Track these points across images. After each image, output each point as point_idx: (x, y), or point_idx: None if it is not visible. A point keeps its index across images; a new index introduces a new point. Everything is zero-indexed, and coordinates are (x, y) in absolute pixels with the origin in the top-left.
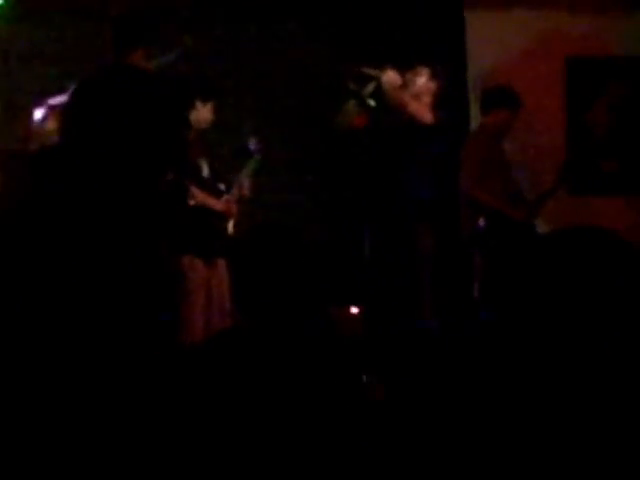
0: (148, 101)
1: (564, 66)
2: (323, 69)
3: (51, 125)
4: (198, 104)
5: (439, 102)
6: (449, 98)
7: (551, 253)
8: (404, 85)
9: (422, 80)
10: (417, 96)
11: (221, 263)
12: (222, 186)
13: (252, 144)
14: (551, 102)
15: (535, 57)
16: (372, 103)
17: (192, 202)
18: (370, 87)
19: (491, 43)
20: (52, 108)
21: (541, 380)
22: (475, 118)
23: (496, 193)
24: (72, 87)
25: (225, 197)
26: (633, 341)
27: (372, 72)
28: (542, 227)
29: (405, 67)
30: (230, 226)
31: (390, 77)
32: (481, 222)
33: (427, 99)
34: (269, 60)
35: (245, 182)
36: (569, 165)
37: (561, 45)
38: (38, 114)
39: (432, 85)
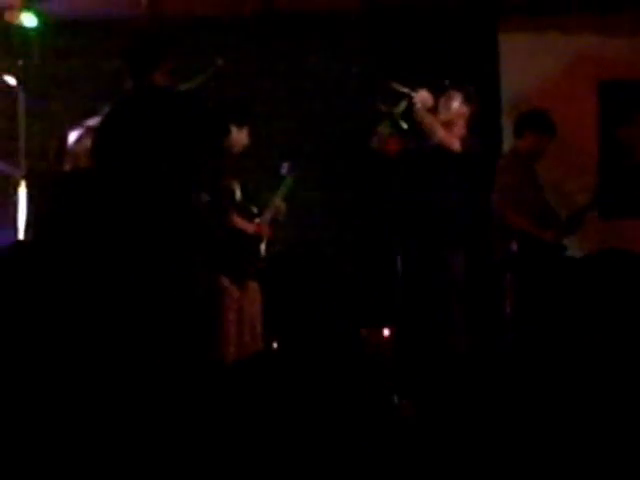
0: (184, 121)
1: (597, 89)
2: (356, 90)
3: (87, 146)
4: (233, 128)
5: (473, 126)
6: (483, 121)
7: (581, 276)
8: (437, 109)
9: (455, 104)
10: (450, 122)
11: (253, 285)
12: (255, 209)
13: (285, 167)
14: (584, 125)
15: (568, 80)
16: (404, 125)
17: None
18: (402, 106)
19: (524, 66)
20: (88, 129)
21: (572, 399)
22: (508, 141)
23: (528, 216)
24: (107, 108)
25: (257, 220)
26: None
27: (404, 89)
28: (574, 250)
29: (439, 91)
30: (263, 249)
31: (422, 96)
32: (513, 245)
33: (461, 122)
34: (302, 82)
35: (278, 205)
36: (602, 187)
37: (594, 68)
38: (74, 135)
39: (465, 109)
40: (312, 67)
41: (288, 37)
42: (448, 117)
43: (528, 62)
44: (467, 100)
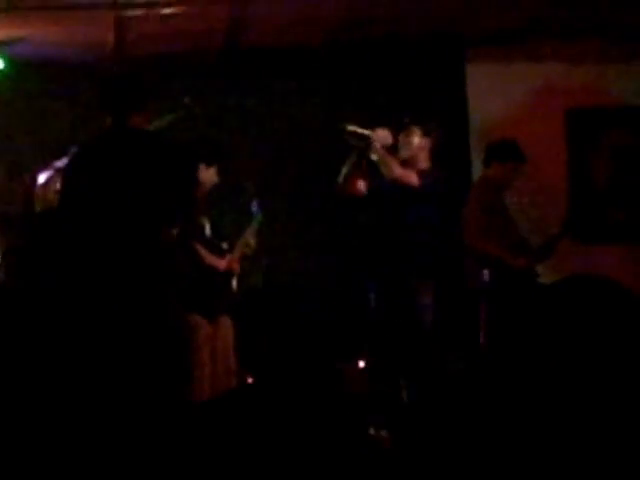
0: (154, 162)
1: (564, 117)
2: (323, 130)
3: (55, 187)
4: (202, 167)
5: (439, 158)
6: (451, 152)
7: (552, 302)
8: (397, 147)
9: (416, 140)
10: (412, 158)
11: (225, 321)
12: (225, 245)
13: (254, 204)
14: (553, 152)
15: (536, 109)
16: (374, 157)
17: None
18: (363, 145)
19: (492, 95)
20: (58, 171)
21: (544, 425)
22: (477, 170)
23: (498, 243)
24: (75, 149)
25: (228, 256)
26: (635, 390)
27: (362, 131)
28: (547, 276)
29: (398, 128)
30: (234, 284)
31: (380, 135)
32: (485, 274)
33: (423, 156)
34: (269, 122)
35: (248, 241)
36: (572, 214)
37: (561, 96)
38: (43, 177)
39: (426, 142)
40: (279, 104)
41: (253, 74)
42: (409, 153)
43: (496, 91)
44: (426, 134)
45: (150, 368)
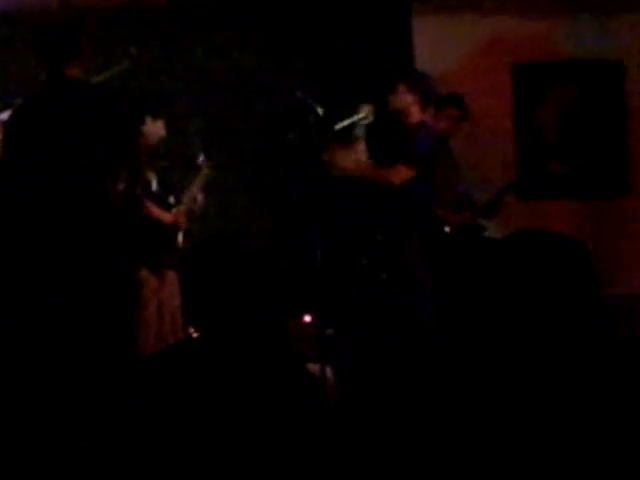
0: (90, 111)
1: (511, 70)
2: (270, 82)
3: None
4: (148, 120)
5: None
6: None
7: (498, 256)
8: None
9: (404, 97)
10: (403, 111)
11: (171, 275)
12: (171, 199)
13: (202, 158)
14: (499, 106)
15: (483, 62)
16: (320, 111)
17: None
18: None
19: (439, 49)
20: (1, 123)
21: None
22: None
23: (442, 199)
24: (18, 102)
25: (174, 210)
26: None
27: (351, 119)
28: (493, 232)
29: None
30: (180, 238)
31: (367, 109)
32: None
33: (415, 109)
34: (216, 73)
35: (195, 195)
36: (520, 169)
37: (508, 50)
38: None
39: (414, 97)
40: (226, 55)
41: (199, 24)
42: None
43: (443, 44)
44: (413, 89)
45: (96, 320)
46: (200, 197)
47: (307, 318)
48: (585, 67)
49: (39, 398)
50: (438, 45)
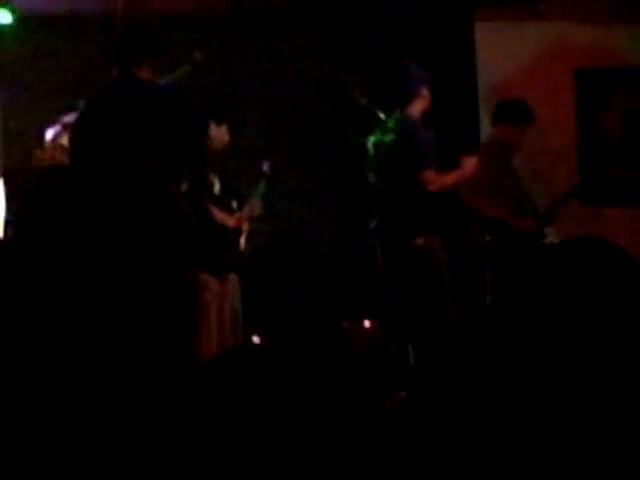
0: (163, 111)
1: (573, 77)
2: (331, 87)
3: (64, 142)
4: (212, 125)
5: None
6: (459, 110)
7: (553, 264)
8: None
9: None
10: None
11: (233, 279)
12: (234, 203)
13: (266, 165)
14: (561, 112)
15: (545, 68)
16: (382, 116)
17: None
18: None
19: (501, 55)
20: (66, 126)
21: (553, 387)
22: (485, 130)
23: (504, 205)
24: (82, 104)
25: (237, 214)
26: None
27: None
28: (553, 237)
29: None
30: (242, 242)
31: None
32: (486, 236)
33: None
34: (278, 77)
35: (257, 202)
36: (582, 176)
37: (570, 56)
38: (51, 132)
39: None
40: (289, 62)
41: (262, 31)
42: None
43: (505, 50)
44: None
45: (157, 324)
46: (259, 207)
47: (367, 323)
48: None
49: (98, 399)
50: (500, 50)
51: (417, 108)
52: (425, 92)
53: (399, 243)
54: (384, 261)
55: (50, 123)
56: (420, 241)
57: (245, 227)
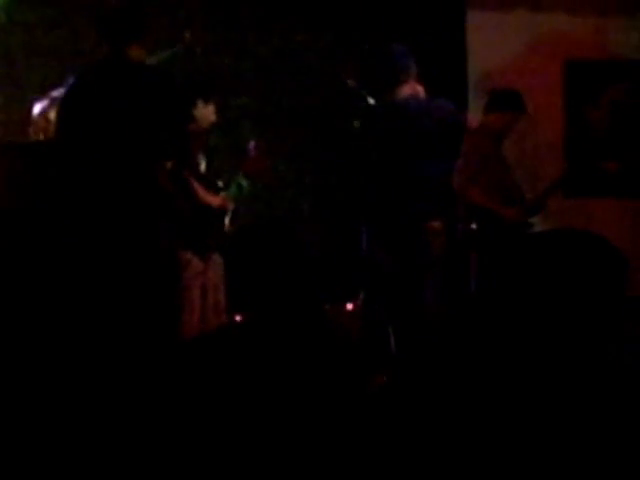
0: (148, 92)
1: (564, 68)
2: (323, 69)
3: (52, 117)
4: (199, 103)
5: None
6: (449, 97)
7: (536, 254)
8: None
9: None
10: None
11: (216, 258)
12: (220, 183)
13: (251, 145)
14: (550, 103)
15: (535, 58)
16: (371, 101)
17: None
18: None
19: (492, 43)
20: (54, 100)
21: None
22: (473, 117)
23: (490, 193)
24: (71, 79)
25: (222, 194)
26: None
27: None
28: (539, 228)
29: None
30: (226, 222)
31: None
32: (473, 225)
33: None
34: (270, 59)
35: (242, 181)
36: (569, 166)
37: (561, 47)
38: (39, 106)
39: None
40: (279, 42)
41: (253, 11)
42: None
43: (496, 39)
44: None
45: (139, 302)
46: (245, 184)
47: (349, 306)
48: (638, 66)
49: (78, 378)
50: (491, 39)
51: (402, 93)
52: (410, 77)
53: (412, 225)
54: (370, 245)
55: (38, 97)
56: (436, 224)
57: (230, 207)
